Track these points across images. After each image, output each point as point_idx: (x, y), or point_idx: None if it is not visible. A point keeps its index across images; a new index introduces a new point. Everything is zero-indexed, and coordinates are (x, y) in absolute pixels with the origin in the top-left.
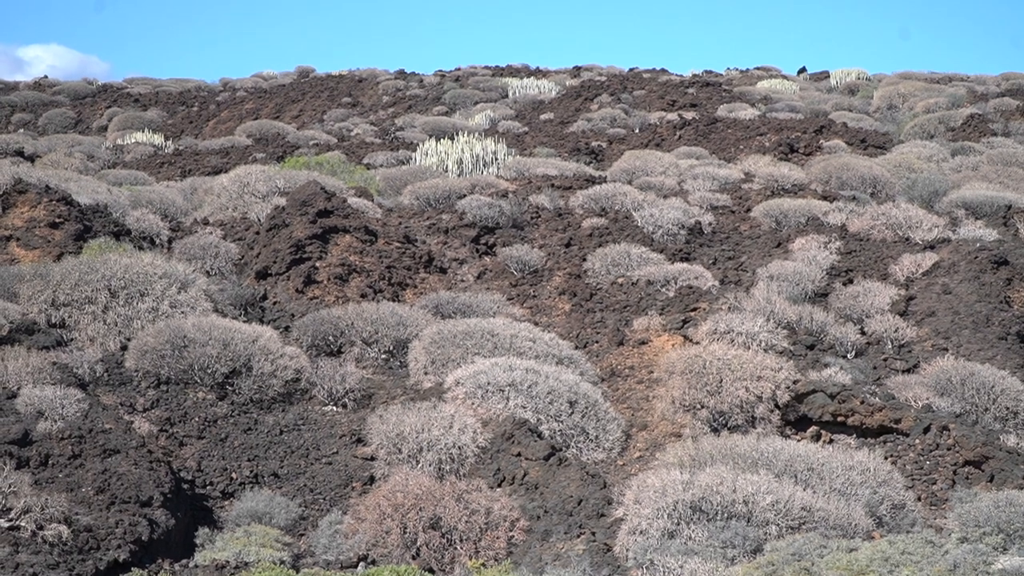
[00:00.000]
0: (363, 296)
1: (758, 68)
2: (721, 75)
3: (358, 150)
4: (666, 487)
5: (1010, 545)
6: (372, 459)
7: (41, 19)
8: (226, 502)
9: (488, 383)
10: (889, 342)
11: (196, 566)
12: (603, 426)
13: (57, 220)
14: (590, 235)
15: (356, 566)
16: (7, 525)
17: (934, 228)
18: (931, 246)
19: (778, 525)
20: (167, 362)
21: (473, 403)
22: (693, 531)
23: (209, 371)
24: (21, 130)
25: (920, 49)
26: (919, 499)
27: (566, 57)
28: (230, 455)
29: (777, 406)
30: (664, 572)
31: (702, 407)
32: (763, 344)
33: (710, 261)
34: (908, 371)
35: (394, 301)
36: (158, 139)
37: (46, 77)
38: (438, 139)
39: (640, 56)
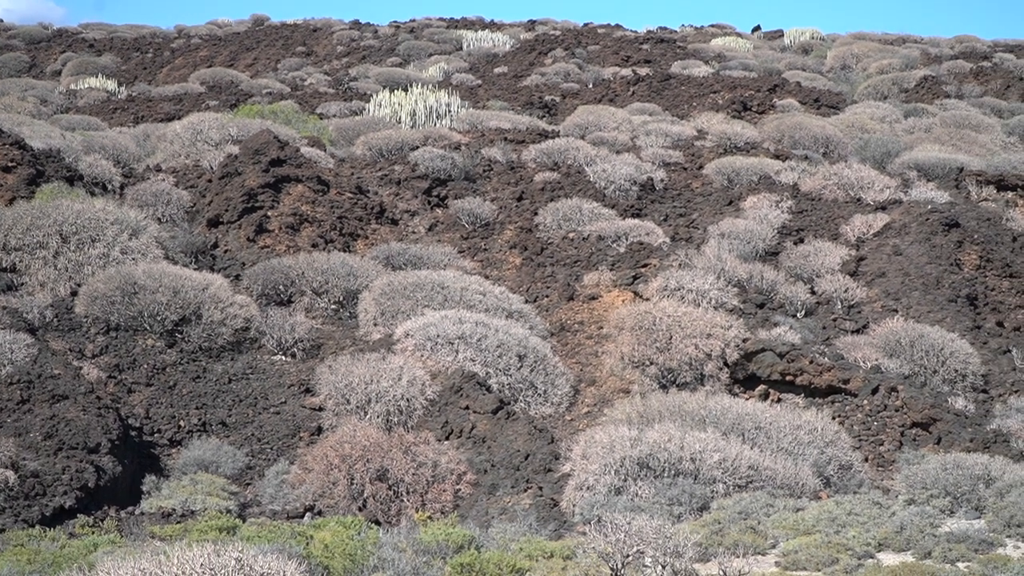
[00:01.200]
0: (314, 246)
1: (713, 25)
2: (676, 32)
3: (311, 100)
4: (614, 443)
5: (957, 508)
6: (320, 409)
7: None
8: (173, 450)
9: (437, 335)
10: (839, 302)
11: (142, 513)
12: (552, 380)
13: (10, 164)
14: (542, 189)
15: (303, 516)
16: None
17: (886, 189)
18: (883, 207)
19: (725, 483)
20: (117, 308)
21: (422, 355)
22: (640, 487)
23: (159, 318)
24: None
25: (874, 9)
26: (866, 460)
27: (521, 10)
28: (178, 403)
29: (726, 364)
30: (611, 528)
31: (651, 364)
32: (713, 302)
33: (662, 218)
34: (858, 331)
35: (345, 252)
36: (112, 85)
37: (1, 21)
38: (392, 90)
39: (595, 11)
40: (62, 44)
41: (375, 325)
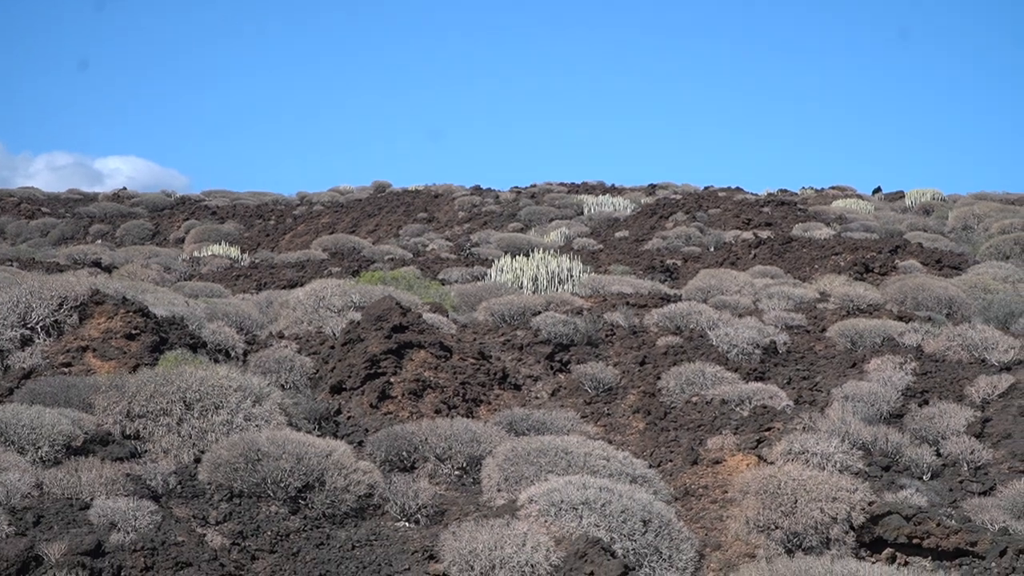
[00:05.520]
0: (437, 412)
1: (833, 187)
2: (796, 194)
3: (433, 265)
4: None
5: None
6: None
7: (120, 131)
8: None
9: (561, 501)
10: (965, 464)
11: None
12: (676, 545)
13: (134, 331)
14: (664, 353)
15: None
16: None
17: (1010, 350)
18: (1007, 368)
19: None
20: (240, 475)
21: (546, 521)
22: None
23: (282, 485)
24: (99, 241)
25: (995, 169)
26: None
27: (641, 174)
28: (302, 570)
29: (852, 527)
30: None
31: (776, 528)
32: (838, 465)
33: (785, 381)
34: (984, 493)
35: (468, 417)
36: (235, 252)
37: (125, 189)
38: (513, 255)
39: (715, 174)
40: (185, 211)
41: (499, 491)
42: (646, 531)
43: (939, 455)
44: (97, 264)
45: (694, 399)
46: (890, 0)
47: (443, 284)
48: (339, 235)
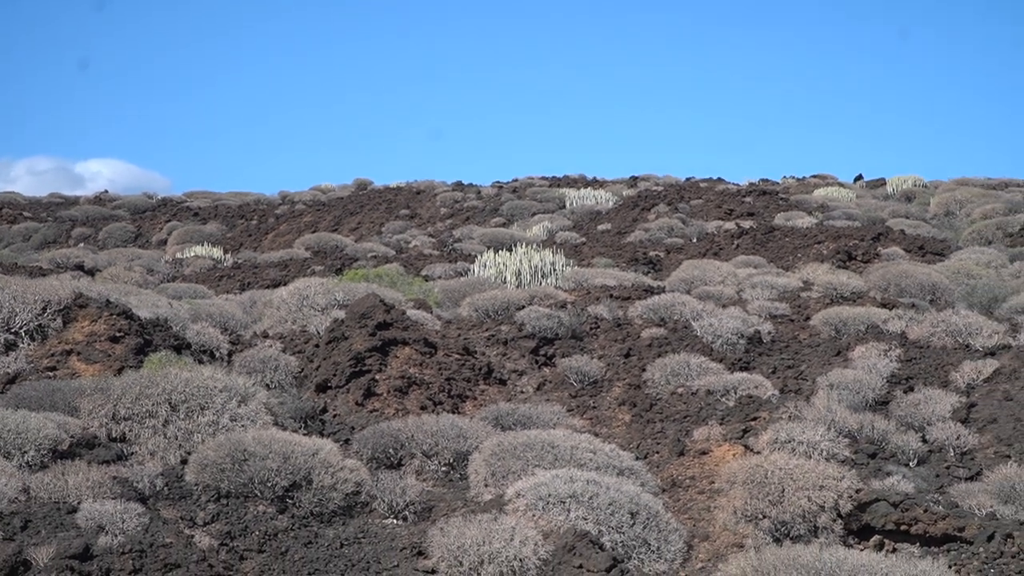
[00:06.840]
0: (423, 408)
1: (814, 176)
2: (777, 183)
3: (416, 262)
4: None
5: None
6: (433, 572)
7: (100, 134)
8: None
9: (549, 495)
10: (951, 450)
11: None
12: (665, 537)
13: (118, 334)
14: (649, 345)
15: None
16: None
17: (994, 335)
18: (991, 352)
19: None
20: (227, 475)
21: (534, 515)
22: None
23: (269, 484)
24: (82, 244)
25: (976, 155)
26: None
27: (623, 167)
28: (290, 569)
29: (840, 515)
30: None
31: (764, 517)
32: (824, 453)
33: (770, 370)
34: (971, 479)
35: (454, 413)
36: (217, 252)
37: (106, 191)
38: (496, 250)
39: (696, 165)
40: (167, 213)
41: (486, 486)
42: (634, 523)
43: (925, 441)
44: (80, 267)
45: (679, 390)
46: None
47: (426, 280)
48: (321, 234)
